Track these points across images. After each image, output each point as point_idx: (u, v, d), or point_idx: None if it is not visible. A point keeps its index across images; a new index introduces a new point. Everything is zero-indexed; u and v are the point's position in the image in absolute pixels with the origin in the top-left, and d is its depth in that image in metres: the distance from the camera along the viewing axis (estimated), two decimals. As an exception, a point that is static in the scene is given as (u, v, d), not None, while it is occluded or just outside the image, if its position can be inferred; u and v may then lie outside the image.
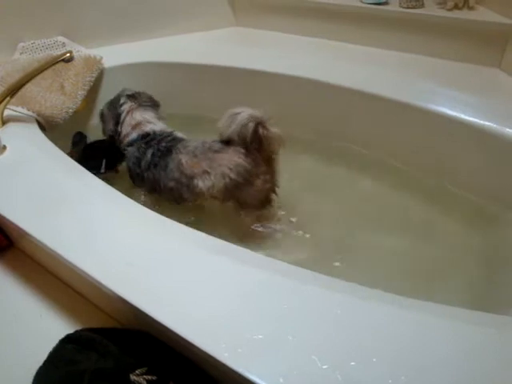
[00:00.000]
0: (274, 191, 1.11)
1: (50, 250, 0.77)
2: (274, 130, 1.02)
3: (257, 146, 1.01)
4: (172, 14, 1.71)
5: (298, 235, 1.14)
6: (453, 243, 1.11)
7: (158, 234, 0.81)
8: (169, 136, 1.13)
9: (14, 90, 1.15)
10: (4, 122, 1.16)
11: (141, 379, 0.66)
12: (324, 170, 1.38)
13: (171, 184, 1.07)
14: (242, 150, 1.01)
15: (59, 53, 1.40)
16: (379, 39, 1.56)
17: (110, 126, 1.22)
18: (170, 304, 0.67)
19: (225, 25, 1.81)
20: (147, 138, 1.14)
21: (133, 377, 0.66)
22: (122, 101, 1.21)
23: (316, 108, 1.39)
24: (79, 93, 1.33)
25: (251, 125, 0.97)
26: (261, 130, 0.99)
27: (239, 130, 0.98)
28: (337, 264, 1.06)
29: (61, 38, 1.55)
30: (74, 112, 1.31)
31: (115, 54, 1.54)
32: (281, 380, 0.55)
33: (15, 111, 1.22)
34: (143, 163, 1.12)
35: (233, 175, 1.01)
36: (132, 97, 1.22)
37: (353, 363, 0.56)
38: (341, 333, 0.60)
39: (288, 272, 0.72)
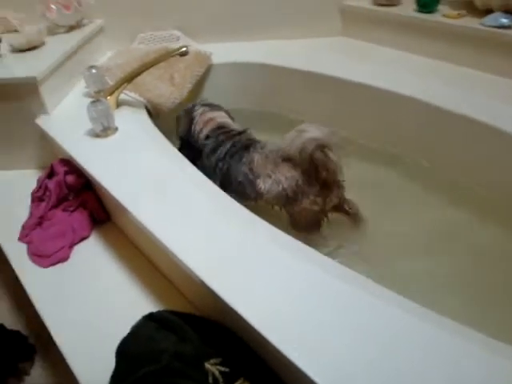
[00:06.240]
0: (325, 216, 1.08)
1: (147, 231, 0.82)
2: (333, 156, 0.99)
3: (313, 167, 1.00)
4: (281, 18, 1.74)
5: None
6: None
7: (248, 230, 0.82)
8: (245, 133, 1.16)
9: (131, 78, 1.24)
10: (118, 105, 1.26)
11: (214, 368, 0.69)
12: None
13: (240, 178, 1.08)
14: (304, 165, 1.00)
15: (174, 46, 1.49)
16: (499, 66, 1.41)
17: (183, 127, 1.25)
18: (250, 299, 0.68)
19: (331, 34, 1.80)
20: (224, 129, 1.16)
21: (207, 365, 0.69)
22: (196, 107, 1.25)
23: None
24: (186, 85, 1.40)
25: (310, 148, 0.96)
26: (318, 155, 0.97)
27: (300, 150, 0.97)
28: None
29: (176, 32, 1.65)
30: (178, 103, 1.38)
31: (222, 52, 1.61)
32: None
33: (128, 95, 1.31)
34: (219, 152, 1.13)
35: (285, 185, 1.01)
36: (206, 104, 1.26)
37: None
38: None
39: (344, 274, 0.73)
